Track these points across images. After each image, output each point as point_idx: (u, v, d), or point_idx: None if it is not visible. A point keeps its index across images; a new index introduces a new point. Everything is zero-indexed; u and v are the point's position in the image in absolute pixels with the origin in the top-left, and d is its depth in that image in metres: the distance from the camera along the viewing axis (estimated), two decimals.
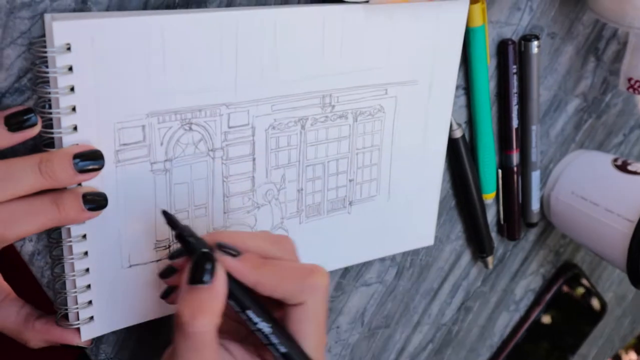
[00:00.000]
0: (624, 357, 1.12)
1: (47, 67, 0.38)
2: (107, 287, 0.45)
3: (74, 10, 0.40)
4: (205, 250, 0.39)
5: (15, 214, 0.38)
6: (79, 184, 0.41)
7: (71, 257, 0.42)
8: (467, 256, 0.65)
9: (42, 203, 0.39)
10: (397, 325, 0.64)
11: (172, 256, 0.42)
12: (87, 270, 0.43)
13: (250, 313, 0.40)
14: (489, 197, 0.62)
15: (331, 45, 0.47)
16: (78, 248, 0.42)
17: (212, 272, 0.38)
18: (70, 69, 0.38)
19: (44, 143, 0.40)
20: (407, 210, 0.56)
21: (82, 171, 0.40)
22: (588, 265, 0.76)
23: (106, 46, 0.39)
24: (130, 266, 0.45)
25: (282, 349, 0.40)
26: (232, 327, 0.43)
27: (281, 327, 0.41)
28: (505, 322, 0.72)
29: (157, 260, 0.46)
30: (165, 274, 0.43)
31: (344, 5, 0.46)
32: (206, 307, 0.38)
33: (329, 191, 0.52)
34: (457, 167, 0.59)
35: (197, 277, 0.38)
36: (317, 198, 0.52)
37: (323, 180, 0.51)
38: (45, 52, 0.38)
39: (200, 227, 0.47)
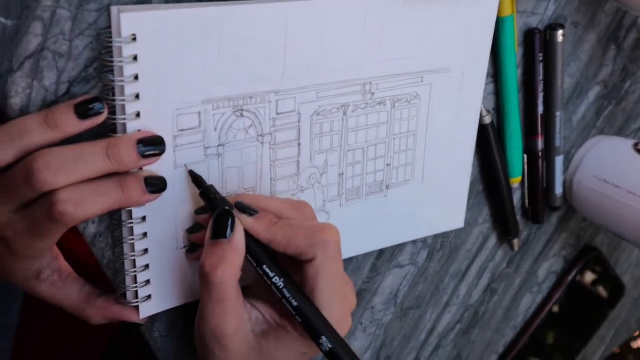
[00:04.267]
0: (632, 344, 1.14)
1: (112, 56, 0.40)
2: (164, 267, 0.47)
3: (136, 3, 0.42)
4: (225, 208, 0.42)
5: (85, 195, 0.40)
6: (140, 168, 0.43)
7: (131, 238, 0.45)
8: (493, 239, 0.67)
9: (109, 185, 0.41)
10: (428, 306, 0.66)
11: (197, 212, 0.45)
12: (146, 250, 0.45)
13: (266, 268, 0.43)
14: (515, 181, 0.64)
15: (372, 33, 0.49)
16: (138, 230, 0.45)
17: (231, 228, 0.42)
18: (135, 58, 0.40)
19: (109, 129, 0.42)
20: (440, 193, 0.59)
21: (145, 156, 0.42)
22: (607, 247, 0.78)
23: (167, 36, 0.41)
24: (185, 247, 0.47)
25: (294, 303, 0.43)
26: (268, 294, 0.45)
27: (296, 285, 0.44)
28: (528, 304, 0.75)
29: None
30: (192, 230, 0.46)
31: None
32: (226, 259, 0.42)
33: (368, 175, 0.54)
34: (485, 152, 0.61)
35: (218, 232, 0.42)
36: (357, 182, 0.54)
37: (362, 164, 0.53)
38: (112, 42, 0.40)
39: None
